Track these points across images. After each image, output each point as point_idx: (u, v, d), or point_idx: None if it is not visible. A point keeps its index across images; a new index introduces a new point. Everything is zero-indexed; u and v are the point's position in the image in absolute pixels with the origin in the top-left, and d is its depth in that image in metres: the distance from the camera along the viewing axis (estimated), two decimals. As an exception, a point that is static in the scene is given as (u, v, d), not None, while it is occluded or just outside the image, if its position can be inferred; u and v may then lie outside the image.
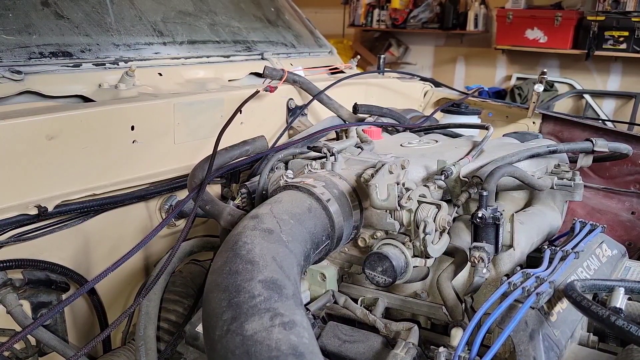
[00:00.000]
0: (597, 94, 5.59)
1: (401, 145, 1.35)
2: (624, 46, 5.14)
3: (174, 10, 1.62)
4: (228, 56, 1.67)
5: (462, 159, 1.19)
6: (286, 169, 1.16)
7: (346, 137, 1.32)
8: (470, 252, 0.97)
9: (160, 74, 1.44)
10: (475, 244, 0.97)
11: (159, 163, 1.25)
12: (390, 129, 1.61)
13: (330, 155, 1.07)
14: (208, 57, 1.60)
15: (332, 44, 2.22)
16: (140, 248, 0.94)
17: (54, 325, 1.09)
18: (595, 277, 1.02)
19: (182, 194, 1.27)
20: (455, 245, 1.03)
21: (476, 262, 0.96)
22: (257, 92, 1.44)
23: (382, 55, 2.30)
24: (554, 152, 1.28)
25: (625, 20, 5.06)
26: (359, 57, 2.30)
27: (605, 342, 0.95)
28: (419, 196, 0.96)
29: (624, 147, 1.40)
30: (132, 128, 1.18)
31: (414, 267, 0.94)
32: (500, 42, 5.93)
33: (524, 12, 5.73)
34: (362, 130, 1.38)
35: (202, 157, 1.14)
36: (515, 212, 1.17)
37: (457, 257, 1.03)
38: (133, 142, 1.19)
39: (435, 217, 0.93)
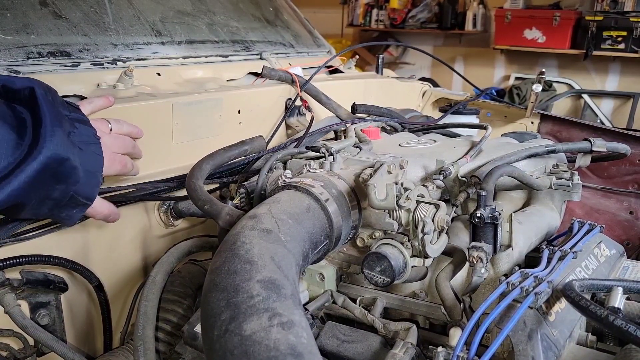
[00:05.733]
0: (596, 94, 5.61)
1: (400, 145, 1.35)
2: (622, 46, 5.16)
3: (173, 10, 1.62)
4: (226, 56, 1.66)
5: (460, 158, 1.19)
6: (285, 168, 1.16)
7: (344, 136, 1.32)
8: (468, 252, 0.97)
9: (159, 74, 1.44)
10: (473, 243, 0.97)
11: (158, 163, 1.25)
12: (389, 128, 1.61)
13: (329, 155, 1.07)
14: (206, 57, 1.60)
15: (330, 43, 2.22)
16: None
17: (52, 325, 1.09)
18: (593, 277, 1.02)
19: (181, 194, 1.27)
20: (454, 245, 1.04)
21: (475, 262, 0.96)
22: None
23: (381, 55, 2.30)
24: (552, 152, 1.28)
25: (624, 20, 5.07)
26: (357, 57, 2.30)
27: (604, 342, 0.95)
28: (418, 196, 0.96)
29: (622, 147, 1.40)
30: (131, 128, 1.18)
31: (412, 267, 0.94)
32: (499, 42, 5.95)
33: (522, 12, 5.75)
34: (361, 130, 1.38)
35: (200, 157, 1.14)
36: (514, 212, 1.17)
37: (455, 257, 1.03)
38: (131, 142, 1.19)
39: (433, 217, 0.93)
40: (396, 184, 0.92)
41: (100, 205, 1.01)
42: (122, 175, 1.07)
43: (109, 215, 1.04)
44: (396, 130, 1.60)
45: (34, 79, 0.92)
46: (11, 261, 0.98)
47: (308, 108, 1.63)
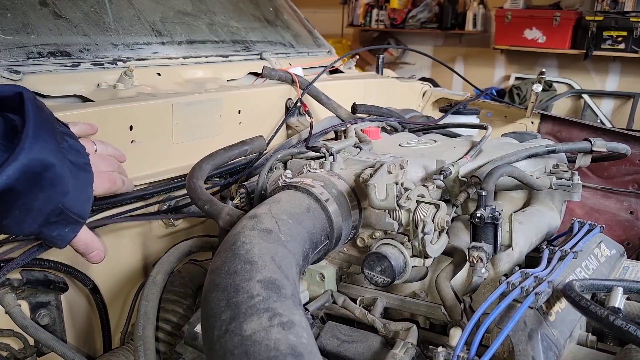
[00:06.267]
0: (596, 94, 5.60)
1: (400, 145, 1.35)
2: (622, 46, 5.16)
3: (173, 10, 1.62)
4: (227, 56, 1.66)
5: (460, 158, 1.19)
6: (285, 168, 1.16)
7: (345, 137, 1.32)
8: (469, 252, 0.97)
9: (159, 74, 1.44)
10: (473, 243, 0.97)
11: (158, 163, 1.25)
12: (389, 128, 1.61)
13: (329, 155, 1.07)
14: (207, 57, 1.60)
15: (330, 43, 2.22)
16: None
17: (52, 325, 1.09)
18: (593, 277, 1.02)
19: (181, 194, 1.27)
20: (454, 245, 1.04)
21: (475, 262, 0.96)
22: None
23: (381, 55, 2.30)
24: (552, 152, 1.28)
25: (624, 20, 5.07)
26: (357, 57, 2.30)
27: (604, 342, 0.95)
28: (418, 196, 0.96)
29: (622, 147, 1.40)
30: (131, 128, 1.18)
31: (412, 267, 0.94)
32: (499, 42, 5.95)
33: (522, 12, 5.75)
34: (361, 130, 1.38)
35: (200, 157, 1.14)
36: (514, 212, 1.17)
37: (455, 257, 1.03)
38: (132, 142, 1.19)
39: (434, 217, 0.93)
40: (396, 184, 0.92)
41: (84, 233, 0.91)
42: (112, 193, 1.01)
43: (92, 245, 0.93)
44: (396, 130, 1.60)
45: (21, 86, 0.87)
46: (1, 264, 0.97)
47: (308, 113, 1.63)
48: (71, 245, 0.92)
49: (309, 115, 1.63)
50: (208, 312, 0.68)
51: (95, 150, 1.00)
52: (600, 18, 5.14)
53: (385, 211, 0.95)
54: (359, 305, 1.03)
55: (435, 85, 2.34)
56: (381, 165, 0.97)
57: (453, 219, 1.09)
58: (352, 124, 1.42)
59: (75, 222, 0.87)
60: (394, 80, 2.20)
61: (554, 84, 5.79)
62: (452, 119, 1.85)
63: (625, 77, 5.50)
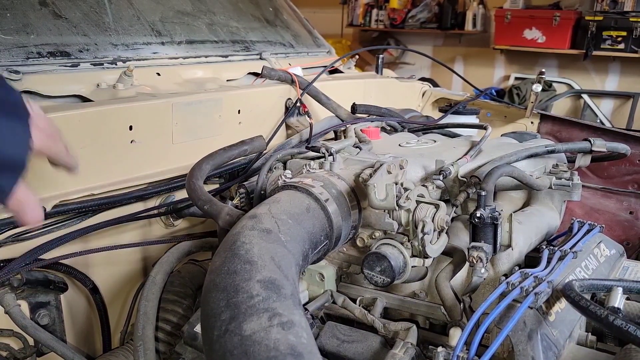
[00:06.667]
0: (596, 94, 5.60)
1: (399, 145, 1.35)
2: (622, 46, 5.15)
3: (172, 10, 1.62)
4: (226, 56, 1.66)
5: (460, 158, 1.19)
6: (284, 168, 1.16)
7: (344, 137, 1.32)
8: (468, 252, 0.97)
9: (159, 74, 1.44)
10: (473, 243, 0.97)
11: (158, 163, 1.25)
12: (389, 128, 1.61)
13: (329, 155, 1.07)
14: (206, 57, 1.60)
15: (330, 43, 2.22)
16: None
17: (52, 325, 1.09)
18: (593, 277, 1.02)
19: (181, 194, 1.27)
20: (454, 245, 1.04)
21: (474, 262, 0.96)
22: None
23: (381, 55, 2.30)
24: (552, 152, 1.28)
25: (623, 20, 5.06)
26: (357, 57, 2.30)
27: (604, 342, 0.95)
28: (418, 196, 0.96)
29: (622, 147, 1.40)
30: (130, 128, 1.18)
31: (412, 267, 0.94)
32: (499, 42, 5.94)
33: (522, 12, 5.74)
34: (361, 130, 1.38)
35: (200, 157, 1.14)
36: (514, 212, 1.17)
37: (455, 257, 1.03)
38: (131, 142, 1.19)
39: (433, 217, 0.93)
40: (396, 184, 0.92)
41: (19, 189, 0.72)
42: (51, 154, 0.81)
43: (27, 202, 0.73)
44: (396, 130, 1.60)
45: None
46: (1, 264, 0.97)
47: (307, 114, 1.63)
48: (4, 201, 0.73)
49: (308, 116, 1.63)
50: (208, 312, 0.68)
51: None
52: (600, 18, 5.13)
53: (385, 211, 0.95)
54: (359, 305, 1.03)
55: (435, 85, 2.34)
56: (381, 165, 0.97)
57: (453, 219, 1.09)
58: (351, 124, 1.42)
59: (12, 169, 0.71)
60: (393, 80, 2.20)
61: (554, 84, 5.79)
62: (451, 119, 1.85)
63: (625, 77, 5.50)
